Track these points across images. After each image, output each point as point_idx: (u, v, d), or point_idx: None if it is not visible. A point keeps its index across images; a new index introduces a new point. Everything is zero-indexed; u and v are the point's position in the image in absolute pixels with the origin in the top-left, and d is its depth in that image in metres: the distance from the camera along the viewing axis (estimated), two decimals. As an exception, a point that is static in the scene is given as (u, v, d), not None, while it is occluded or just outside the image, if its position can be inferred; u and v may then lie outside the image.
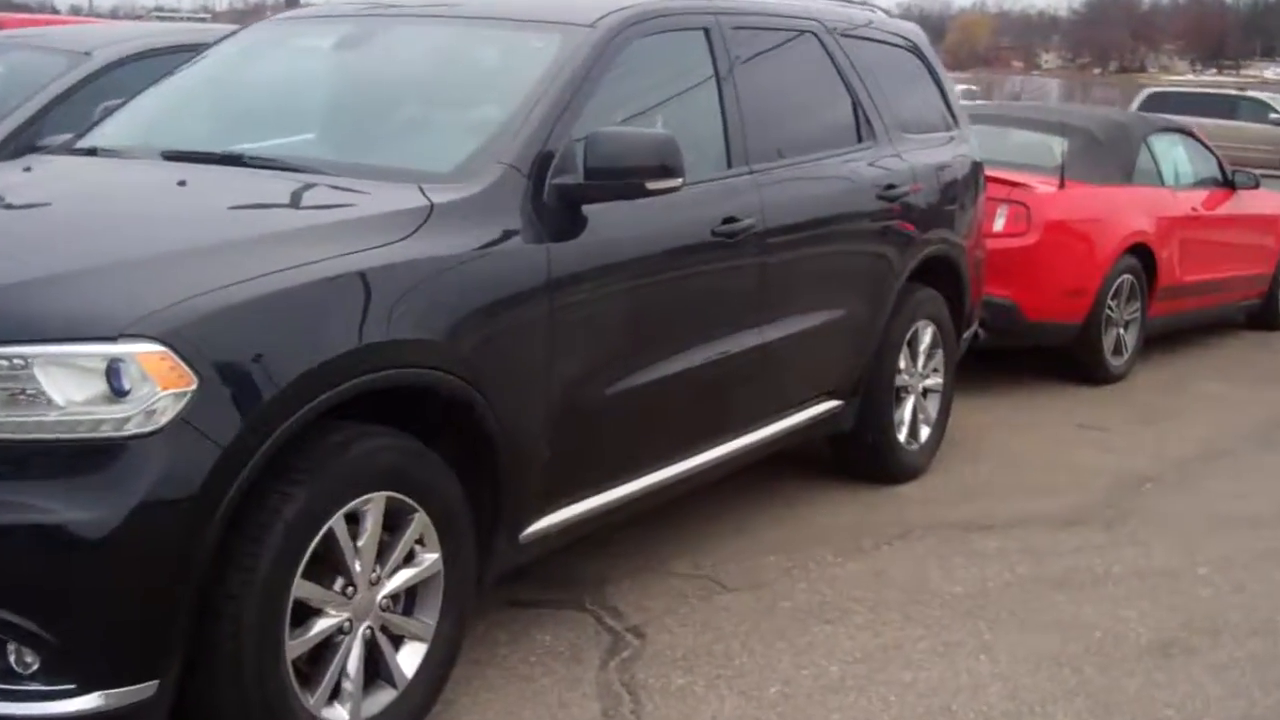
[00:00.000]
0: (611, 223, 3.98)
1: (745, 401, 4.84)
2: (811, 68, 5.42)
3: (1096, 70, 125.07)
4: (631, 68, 4.35)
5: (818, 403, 5.35)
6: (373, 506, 3.25)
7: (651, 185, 3.90)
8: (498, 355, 3.58)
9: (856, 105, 5.54)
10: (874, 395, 5.62)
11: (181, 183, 3.73)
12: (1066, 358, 8.02)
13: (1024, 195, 7.60)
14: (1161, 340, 8.89)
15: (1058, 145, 8.25)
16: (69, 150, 4.42)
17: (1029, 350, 7.99)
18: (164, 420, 2.83)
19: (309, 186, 3.74)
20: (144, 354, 2.83)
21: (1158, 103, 26.77)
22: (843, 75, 5.50)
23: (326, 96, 4.59)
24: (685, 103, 4.70)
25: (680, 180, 3.95)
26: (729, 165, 4.67)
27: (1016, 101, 28.56)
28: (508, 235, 3.67)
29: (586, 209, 3.92)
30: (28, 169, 4.21)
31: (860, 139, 5.54)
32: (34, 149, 4.71)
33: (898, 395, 5.80)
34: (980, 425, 6.88)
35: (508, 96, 4.11)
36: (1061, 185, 7.81)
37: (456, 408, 3.50)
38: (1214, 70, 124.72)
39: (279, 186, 3.75)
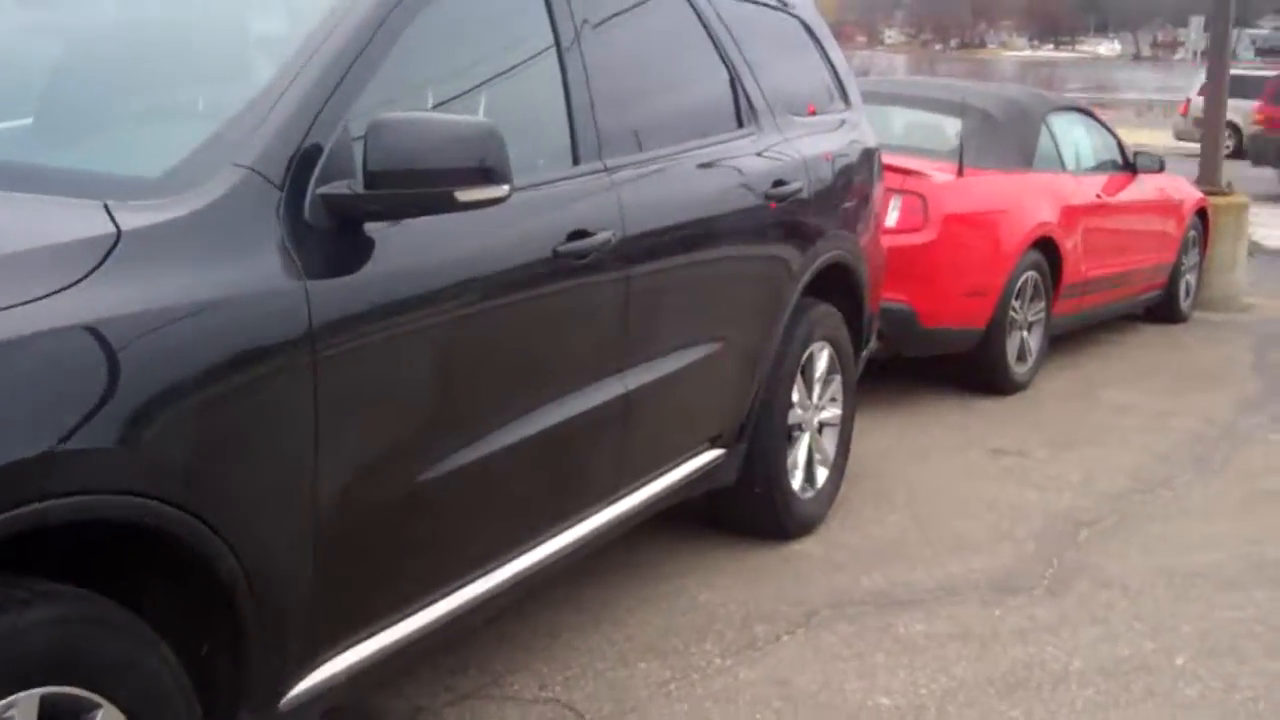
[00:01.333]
0: (409, 246, 2.82)
1: (606, 467, 3.70)
2: (680, 33, 4.27)
3: (938, 46, 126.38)
4: (438, 29, 3.16)
5: (696, 455, 4.23)
6: (18, 714, 2.04)
7: (464, 195, 2.73)
8: (229, 458, 2.39)
9: (735, 82, 4.41)
10: (762, 438, 4.52)
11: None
12: (965, 365, 7.03)
13: (920, 185, 6.57)
14: (1062, 340, 7.97)
15: (953, 127, 7.23)
16: None
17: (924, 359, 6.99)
18: None
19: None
20: None
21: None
22: (718, 44, 4.36)
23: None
24: (515, 79, 3.50)
25: (506, 188, 2.78)
26: (576, 161, 3.51)
27: (904, 77, 27.40)
28: (244, 273, 2.47)
29: (372, 228, 2.74)
30: None
31: (741, 123, 4.41)
32: None
33: (790, 435, 4.71)
34: (880, 452, 5.85)
35: (254, 66, 2.91)
36: (960, 173, 6.79)
37: (166, 545, 2.30)
38: (1050, 46, 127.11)
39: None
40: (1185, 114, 26.61)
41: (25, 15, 3.58)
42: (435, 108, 3.10)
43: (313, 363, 2.55)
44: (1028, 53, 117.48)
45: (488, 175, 2.74)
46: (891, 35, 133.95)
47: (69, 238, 2.28)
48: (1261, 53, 45.02)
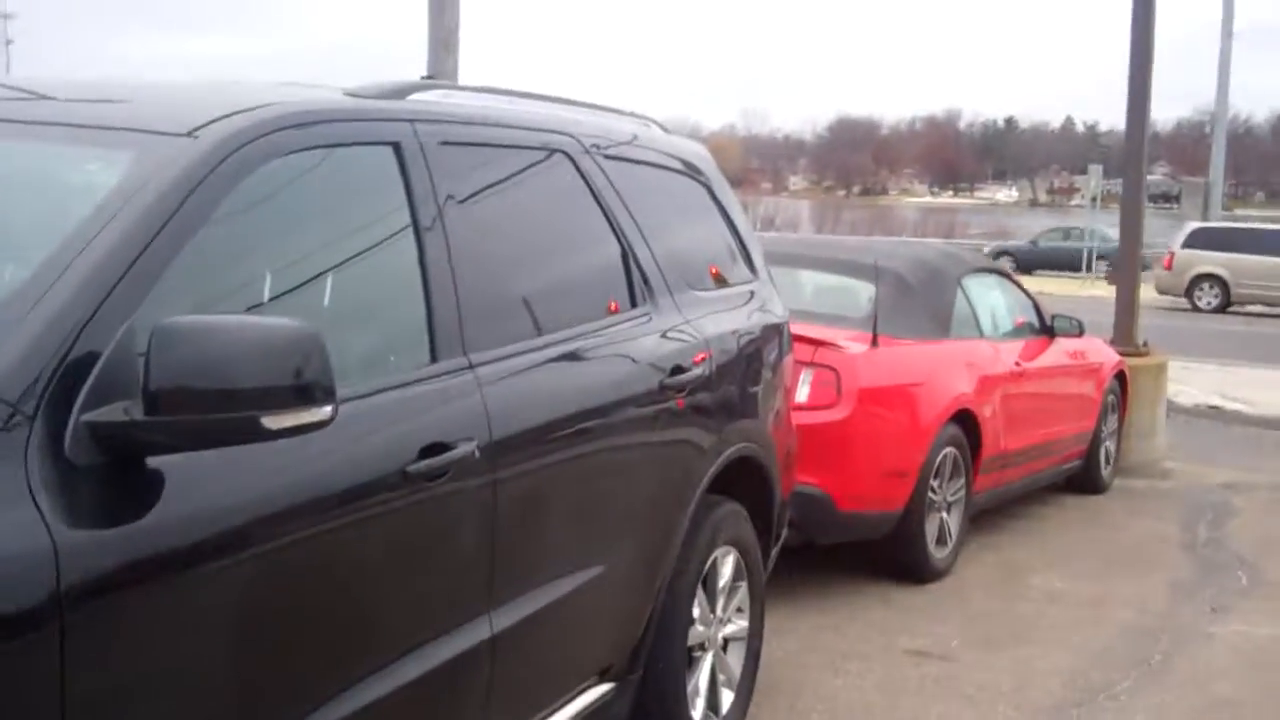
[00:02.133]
0: (206, 481, 2.22)
1: (469, 722, 3.06)
2: (565, 203, 3.74)
3: (841, 192, 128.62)
4: (259, 208, 2.60)
5: (582, 692, 3.60)
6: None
7: (273, 421, 2.14)
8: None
9: (629, 256, 3.88)
10: (658, 665, 3.90)
11: None
12: (882, 551, 6.48)
13: (832, 357, 6.07)
14: (980, 518, 7.46)
15: (865, 291, 6.77)
16: None
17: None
18: None
19: None
20: None
21: (1204, 239, 26.12)
22: (609, 214, 3.83)
23: None
24: (362, 264, 2.93)
25: (328, 409, 2.20)
26: (434, 358, 2.93)
27: (804, 235, 27.07)
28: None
29: (157, 462, 2.14)
30: None
31: (634, 302, 3.87)
32: None
33: (690, 656, 4.09)
34: (791, 659, 5.24)
35: (13, 260, 2.32)
36: (874, 343, 6.32)
37: None
38: (950, 193, 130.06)
39: None
40: (1170, 268, 26.76)
41: None
42: (253, 308, 2.52)
43: (60, 646, 1.92)
44: (928, 199, 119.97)
45: (305, 394, 2.16)
46: (796, 181, 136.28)
47: None
48: (1153, 199, 46.13)
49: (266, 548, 2.34)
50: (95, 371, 2.09)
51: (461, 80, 12.15)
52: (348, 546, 2.56)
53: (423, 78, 3.89)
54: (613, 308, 3.77)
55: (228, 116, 2.60)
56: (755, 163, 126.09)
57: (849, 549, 6.50)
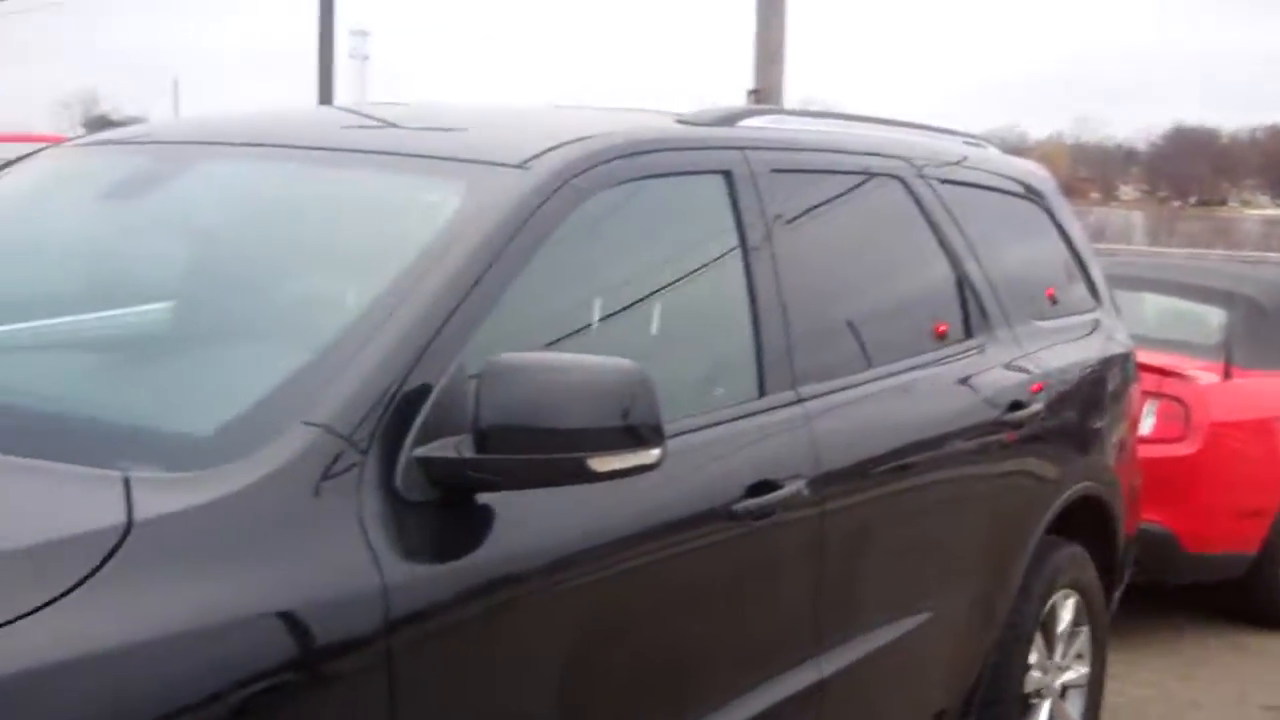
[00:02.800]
0: (535, 516, 2.19)
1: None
2: (896, 227, 3.59)
3: (1176, 203, 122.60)
4: (588, 240, 2.57)
5: (908, 741, 3.44)
6: None
7: (601, 464, 2.08)
8: None
9: (964, 284, 3.69)
10: (993, 712, 3.70)
11: None
12: (1235, 594, 6.02)
13: (1179, 389, 5.67)
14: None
15: (1216, 318, 6.32)
16: None
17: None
18: None
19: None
20: None
21: None
22: (943, 240, 3.66)
23: (41, 284, 2.79)
24: (686, 296, 2.87)
25: (656, 453, 2.13)
26: (761, 392, 2.83)
27: (1151, 257, 24.61)
28: (297, 575, 1.86)
29: (486, 499, 2.12)
30: None
31: (970, 333, 3.68)
32: None
33: (1027, 704, 3.86)
34: (1135, 707, 4.90)
35: (350, 293, 2.34)
36: (1227, 374, 5.88)
37: None
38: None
39: None
40: None
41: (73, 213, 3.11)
42: (582, 342, 2.49)
43: (389, 684, 1.92)
44: (1271, 211, 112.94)
45: (634, 435, 2.09)
46: (1126, 191, 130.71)
47: (49, 535, 1.72)
48: None
49: (592, 587, 2.30)
50: (426, 407, 2.08)
51: (786, 92, 12.15)
52: (674, 586, 2.49)
53: (749, 91, 3.81)
54: (945, 337, 3.59)
55: (559, 147, 2.58)
56: (1083, 172, 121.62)
57: (1198, 590, 6.07)
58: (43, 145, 3.46)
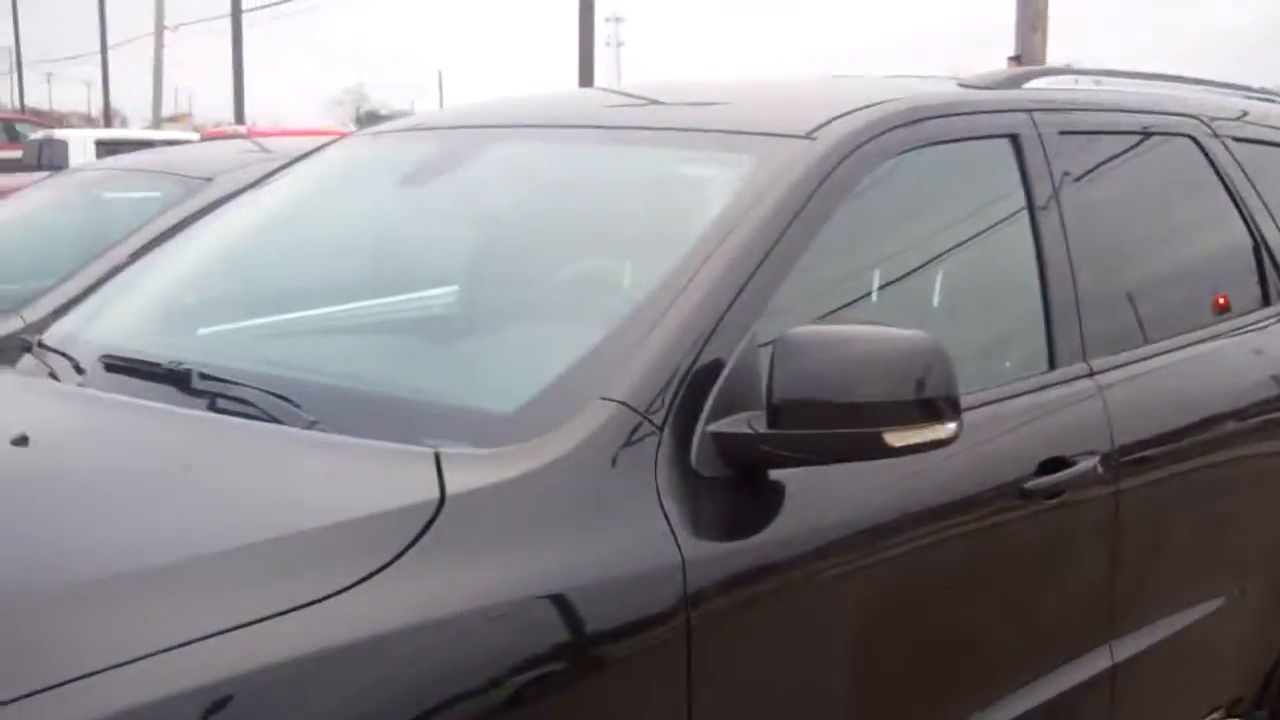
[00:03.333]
0: (821, 495, 2.15)
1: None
2: (1188, 192, 3.41)
3: None
4: (875, 209, 2.52)
5: (1200, 729, 3.29)
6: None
7: (897, 438, 2.04)
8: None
9: (1261, 249, 3.49)
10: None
11: (20, 441, 2.07)
12: None
13: None
14: None
15: None
16: (19, 341, 2.88)
17: None
18: None
19: (224, 455, 2.05)
20: None
21: None
22: (1239, 202, 3.46)
23: (348, 260, 2.90)
24: (973, 266, 2.79)
25: (953, 427, 2.07)
26: (1052, 364, 2.73)
27: None
28: (601, 549, 1.88)
29: (777, 475, 2.10)
30: None
31: (1267, 298, 3.48)
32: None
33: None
34: None
35: (640, 269, 2.35)
36: None
37: None
38: None
39: (183, 456, 2.06)
40: None
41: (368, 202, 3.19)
42: (869, 313, 2.44)
43: (686, 662, 1.92)
44: None
45: (929, 409, 2.04)
46: None
47: (370, 509, 1.77)
48: None
49: (881, 564, 2.26)
50: (719, 382, 2.07)
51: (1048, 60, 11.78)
52: (962, 566, 2.43)
53: (1010, 58, 3.67)
54: (1227, 307, 3.40)
55: (845, 115, 2.53)
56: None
57: None
58: (331, 138, 3.59)
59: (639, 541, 1.92)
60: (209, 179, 4.95)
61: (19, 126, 24.97)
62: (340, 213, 3.03)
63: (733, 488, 2.07)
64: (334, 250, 2.92)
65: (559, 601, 1.81)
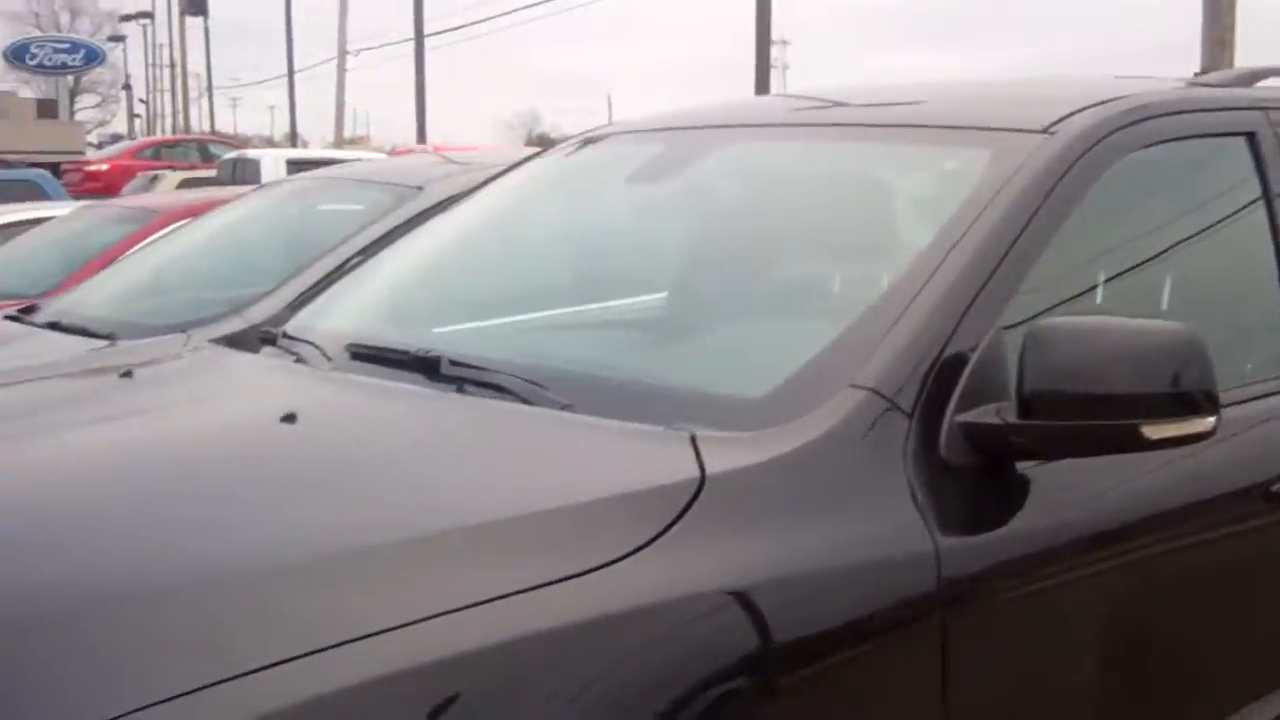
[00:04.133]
0: (1064, 489, 2.13)
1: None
2: None
3: None
4: (1113, 205, 2.49)
5: None
6: None
7: (1154, 431, 2.01)
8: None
9: None
10: None
11: (289, 418, 2.16)
12: None
13: None
14: None
15: None
16: (258, 334, 3.01)
17: None
18: None
19: (484, 434, 2.12)
20: None
21: None
22: None
23: (578, 261, 2.96)
24: (1210, 263, 2.73)
25: (1212, 422, 2.04)
26: (1295, 361, 2.67)
27: None
28: (854, 531, 1.89)
29: (1024, 467, 2.09)
30: (165, 363, 2.82)
31: None
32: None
33: None
34: None
35: (881, 260, 2.36)
36: None
37: None
38: None
39: (441, 433, 2.16)
40: None
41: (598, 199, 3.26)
42: (1110, 307, 2.42)
43: (941, 653, 1.92)
44: None
45: (1186, 402, 2.01)
46: None
47: (634, 485, 1.81)
48: None
49: (1123, 562, 2.23)
50: (967, 372, 2.07)
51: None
52: (1208, 568, 2.39)
53: (1195, 74, 3.59)
54: None
55: (1082, 110, 2.51)
56: None
57: None
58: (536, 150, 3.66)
59: (893, 529, 1.92)
60: (419, 187, 5.09)
61: (212, 148, 26.02)
62: (570, 212, 3.11)
63: (979, 479, 2.06)
64: (568, 249, 3.00)
65: (815, 582, 1.82)
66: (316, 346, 2.69)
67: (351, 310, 3.01)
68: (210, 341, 3.04)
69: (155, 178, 20.12)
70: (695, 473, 1.84)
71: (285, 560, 1.65)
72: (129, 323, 4.76)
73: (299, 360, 2.64)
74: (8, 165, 12.05)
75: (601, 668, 1.61)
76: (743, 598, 1.74)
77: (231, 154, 20.80)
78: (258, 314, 4.53)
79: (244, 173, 17.69)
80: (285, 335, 2.84)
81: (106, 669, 1.45)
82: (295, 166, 16.16)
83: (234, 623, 1.52)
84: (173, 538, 1.74)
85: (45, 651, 1.47)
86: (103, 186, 22.73)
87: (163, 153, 26.61)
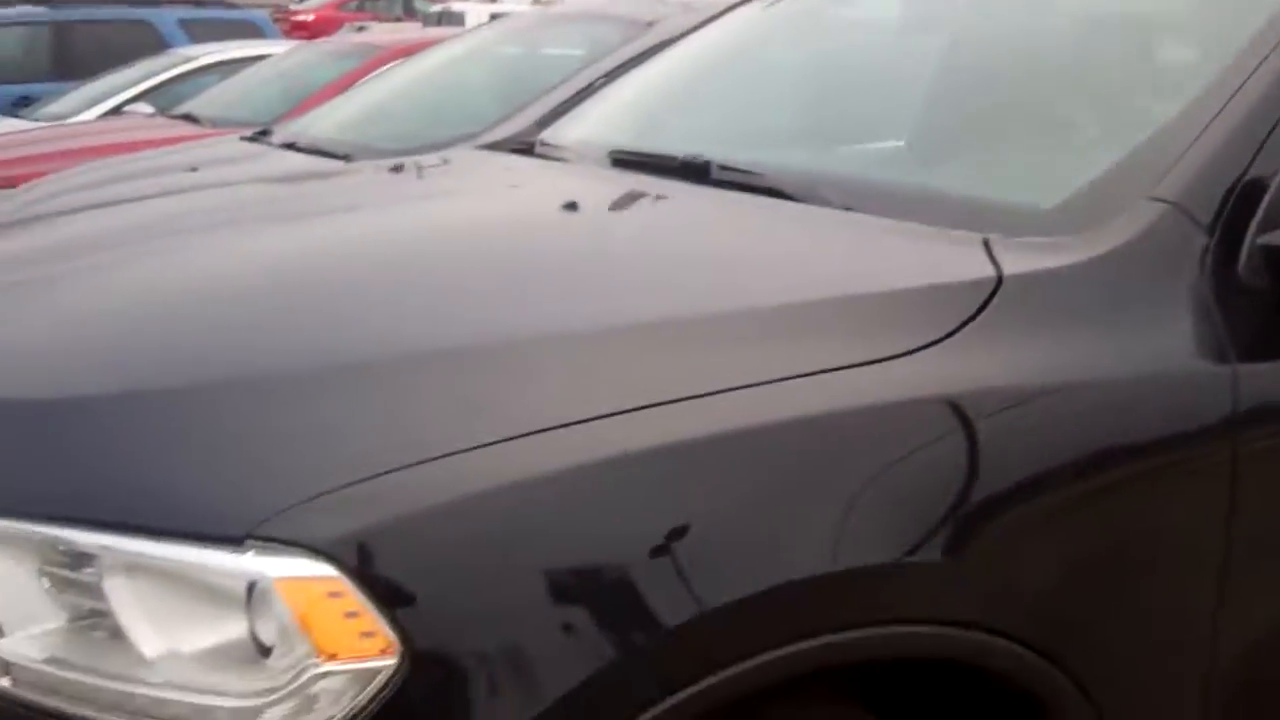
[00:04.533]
0: None
1: None
2: None
3: None
4: None
5: None
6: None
7: None
8: (1104, 589, 1.76)
9: None
10: None
11: (570, 206, 2.17)
12: None
13: None
14: None
15: None
16: (510, 146, 3.04)
17: None
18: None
19: (772, 226, 2.09)
20: (292, 582, 1.31)
21: None
22: None
23: (864, 79, 2.86)
24: None
25: None
26: None
27: None
28: (1149, 342, 1.83)
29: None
30: (435, 165, 2.86)
31: None
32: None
33: None
34: None
35: (1180, 76, 2.25)
36: None
37: (1003, 698, 1.73)
38: None
39: (725, 222, 2.14)
40: None
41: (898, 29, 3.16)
42: None
43: (1230, 476, 1.85)
44: None
45: None
46: None
47: (940, 279, 1.78)
48: None
49: None
50: (1270, 193, 1.96)
51: None
52: None
53: None
54: None
55: None
56: None
57: None
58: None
59: (1190, 346, 1.86)
60: (650, 23, 5.06)
61: (415, 1, 26.20)
62: (816, 47, 3.04)
63: (1274, 304, 1.97)
64: (813, 84, 2.93)
65: (1109, 392, 1.77)
66: (576, 154, 2.70)
67: (601, 125, 3.02)
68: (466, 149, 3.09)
69: (362, 29, 20.39)
70: (992, 272, 1.79)
71: (608, 325, 1.67)
72: (362, 145, 4.87)
73: (563, 163, 2.66)
74: (233, 6, 12.34)
75: (898, 451, 1.60)
76: (1036, 399, 1.70)
77: (437, 6, 20.95)
78: (490, 140, 4.59)
79: (449, 25, 17.79)
80: (543, 143, 2.86)
81: (401, 422, 1.47)
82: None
83: (553, 378, 1.55)
84: (491, 304, 1.77)
85: (344, 397, 1.51)
86: (308, 36, 23.17)
87: (366, 5, 26.90)
